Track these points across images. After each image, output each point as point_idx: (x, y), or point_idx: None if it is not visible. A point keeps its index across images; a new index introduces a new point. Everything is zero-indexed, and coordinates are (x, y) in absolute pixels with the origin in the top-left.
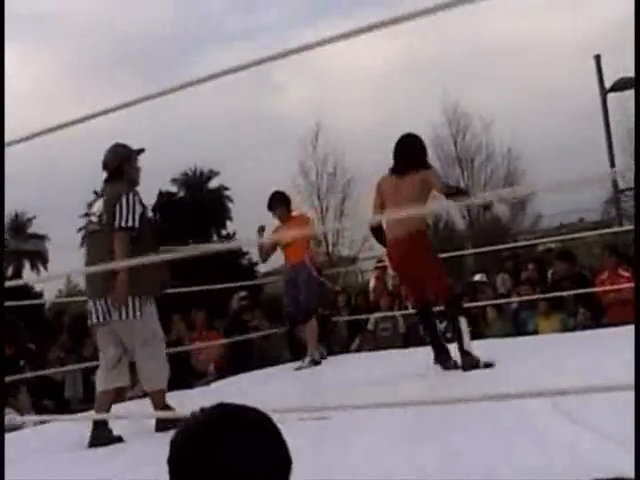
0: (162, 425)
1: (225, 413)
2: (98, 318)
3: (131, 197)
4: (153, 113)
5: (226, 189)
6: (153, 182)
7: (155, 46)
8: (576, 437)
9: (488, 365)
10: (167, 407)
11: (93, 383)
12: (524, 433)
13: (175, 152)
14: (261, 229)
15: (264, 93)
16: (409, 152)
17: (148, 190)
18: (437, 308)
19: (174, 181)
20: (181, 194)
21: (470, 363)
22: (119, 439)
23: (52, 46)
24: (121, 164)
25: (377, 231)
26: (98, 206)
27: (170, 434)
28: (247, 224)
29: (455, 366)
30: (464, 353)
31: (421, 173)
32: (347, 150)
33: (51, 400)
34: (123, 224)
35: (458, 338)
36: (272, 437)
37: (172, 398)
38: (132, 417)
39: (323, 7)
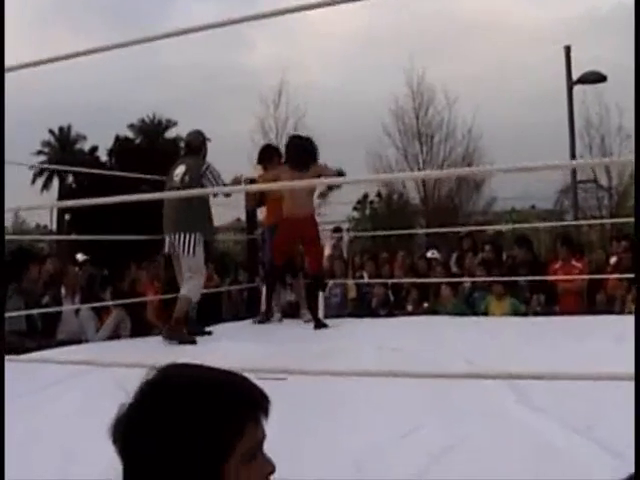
0: (168, 334)
1: (173, 376)
2: (169, 249)
3: (213, 167)
4: (116, 56)
5: (183, 140)
6: (110, 125)
7: None
8: (534, 423)
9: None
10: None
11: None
12: (481, 415)
13: (135, 97)
14: (237, 180)
15: (231, 46)
16: (303, 151)
17: (105, 133)
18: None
19: (131, 127)
20: (138, 141)
21: (321, 325)
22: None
23: None
24: (201, 145)
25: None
26: (180, 170)
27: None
28: None
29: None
30: (318, 320)
31: (312, 169)
32: (308, 112)
33: None
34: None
35: (315, 307)
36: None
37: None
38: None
39: None
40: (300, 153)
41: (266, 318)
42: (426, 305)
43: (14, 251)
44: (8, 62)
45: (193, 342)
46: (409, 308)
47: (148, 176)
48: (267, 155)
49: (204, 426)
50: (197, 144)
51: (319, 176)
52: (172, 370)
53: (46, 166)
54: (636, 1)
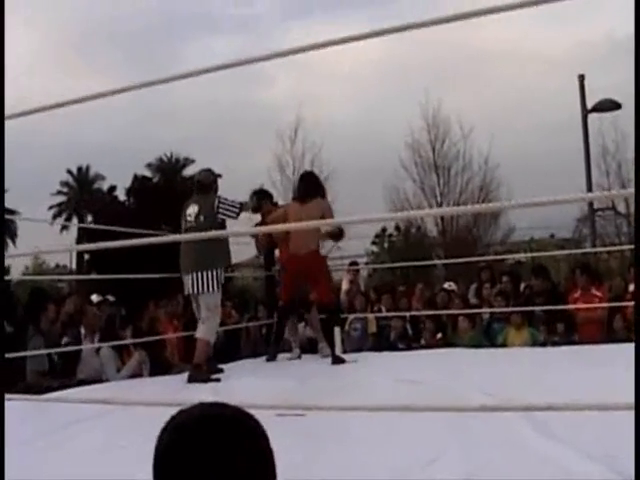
0: (192, 379)
1: (205, 416)
2: (188, 289)
3: (224, 198)
4: (133, 95)
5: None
6: (128, 165)
7: (142, 28)
8: (553, 452)
9: (353, 361)
10: (209, 360)
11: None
12: (500, 444)
13: (153, 136)
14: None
15: (248, 82)
16: (309, 184)
17: (124, 172)
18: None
19: (149, 166)
20: (155, 179)
21: (338, 360)
22: (218, 380)
23: (37, 22)
24: (212, 184)
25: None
26: (193, 210)
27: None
28: None
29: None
30: (335, 355)
31: (315, 201)
32: (324, 147)
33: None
34: (236, 211)
35: (331, 343)
36: (255, 439)
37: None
38: (114, 403)
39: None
40: (306, 185)
41: (273, 357)
42: (439, 336)
43: (30, 292)
44: (25, 103)
45: (218, 381)
46: (426, 341)
47: None
48: (261, 202)
49: (255, 464)
50: (208, 183)
51: (322, 214)
52: (208, 410)
53: None
54: (636, 1)
